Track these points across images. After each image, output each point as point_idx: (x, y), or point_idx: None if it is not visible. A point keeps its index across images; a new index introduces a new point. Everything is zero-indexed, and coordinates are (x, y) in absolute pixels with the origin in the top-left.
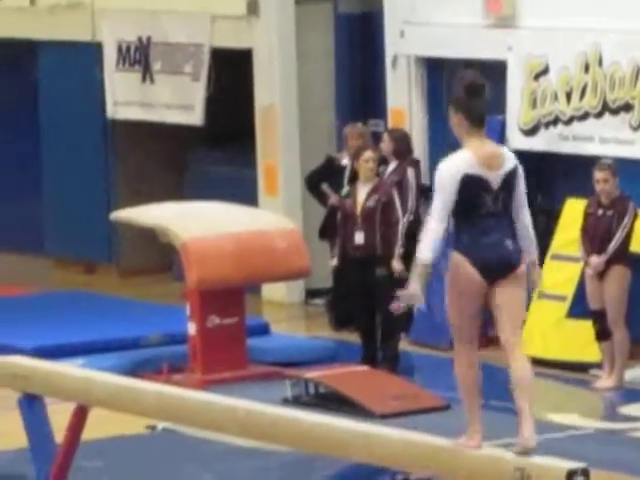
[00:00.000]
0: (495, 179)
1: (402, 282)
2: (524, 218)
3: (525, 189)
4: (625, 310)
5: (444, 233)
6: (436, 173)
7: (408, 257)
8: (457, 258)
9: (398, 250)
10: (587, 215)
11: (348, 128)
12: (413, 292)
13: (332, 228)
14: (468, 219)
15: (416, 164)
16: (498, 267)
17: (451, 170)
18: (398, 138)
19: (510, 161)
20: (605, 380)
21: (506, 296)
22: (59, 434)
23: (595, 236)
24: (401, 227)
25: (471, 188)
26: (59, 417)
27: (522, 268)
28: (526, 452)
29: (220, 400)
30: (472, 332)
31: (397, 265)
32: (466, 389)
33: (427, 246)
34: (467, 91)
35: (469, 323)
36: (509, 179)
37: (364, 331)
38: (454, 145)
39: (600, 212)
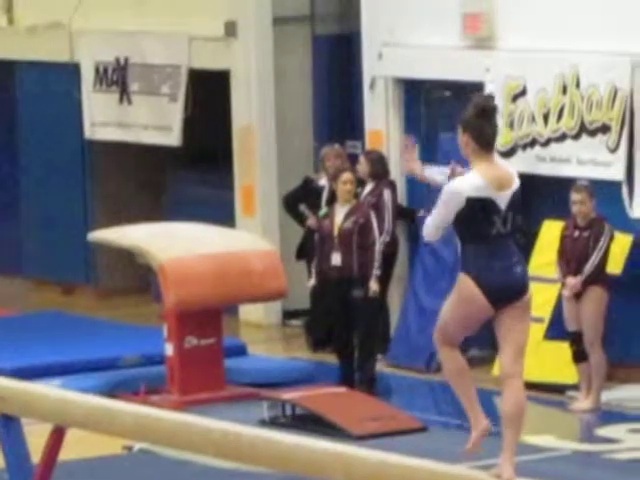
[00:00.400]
0: (503, 200)
1: (378, 304)
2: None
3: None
4: (602, 331)
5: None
6: (444, 192)
7: (384, 278)
8: (466, 281)
9: (375, 272)
10: (564, 237)
11: (326, 149)
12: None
13: (310, 249)
14: (478, 241)
15: (392, 185)
16: (506, 293)
17: (455, 190)
18: (374, 160)
19: (515, 182)
20: (582, 402)
21: (512, 325)
22: (36, 455)
23: (572, 257)
24: (378, 249)
25: (480, 210)
26: (36, 438)
27: (529, 294)
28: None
29: (197, 421)
30: (458, 340)
31: (374, 286)
32: (460, 379)
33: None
34: (477, 113)
35: (462, 338)
36: (515, 199)
37: (341, 352)
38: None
39: (576, 234)
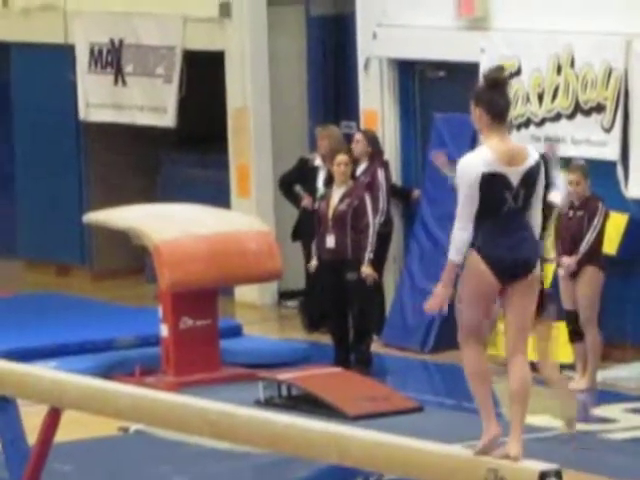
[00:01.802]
0: (515, 175)
1: (373, 285)
2: (533, 219)
3: (542, 189)
4: (597, 311)
5: (470, 231)
6: (457, 170)
7: (380, 259)
8: (473, 256)
9: (368, 255)
10: (559, 216)
11: (318, 129)
12: (440, 296)
13: (306, 230)
14: (488, 217)
15: (386, 165)
16: (513, 268)
17: (469, 169)
18: (369, 139)
19: (532, 157)
20: (578, 381)
21: (517, 301)
22: (32, 436)
23: (567, 237)
24: (372, 232)
25: (491, 186)
26: (32, 419)
27: (537, 271)
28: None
29: (193, 402)
30: (482, 331)
31: (366, 270)
32: (480, 387)
33: (454, 249)
34: (488, 85)
35: (480, 322)
36: (529, 176)
37: (336, 333)
38: (425, 146)
39: (571, 213)
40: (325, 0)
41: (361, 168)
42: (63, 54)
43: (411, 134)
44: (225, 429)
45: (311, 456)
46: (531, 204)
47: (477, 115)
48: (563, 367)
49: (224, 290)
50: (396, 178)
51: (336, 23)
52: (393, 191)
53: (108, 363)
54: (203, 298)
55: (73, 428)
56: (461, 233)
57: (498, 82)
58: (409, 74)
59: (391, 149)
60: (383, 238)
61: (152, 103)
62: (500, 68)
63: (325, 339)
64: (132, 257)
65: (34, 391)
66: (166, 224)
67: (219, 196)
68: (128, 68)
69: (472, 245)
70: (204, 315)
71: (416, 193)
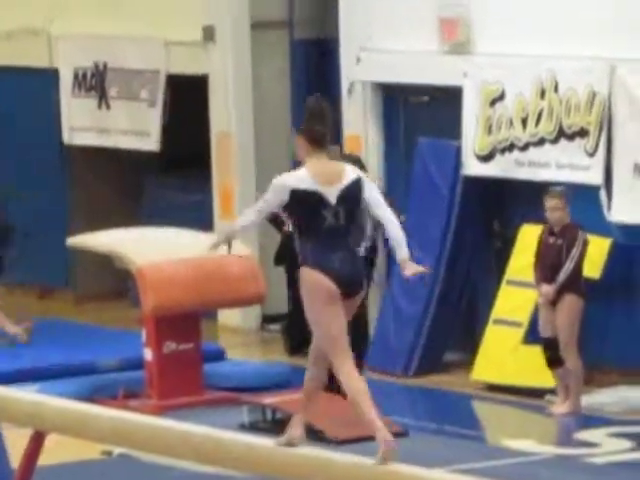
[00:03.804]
0: (332, 194)
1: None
2: (385, 214)
3: (379, 194)
4: (576, 337)
5: (255, 221)
6: (273, 181)
7: (366, 282)
8: (308, 272)
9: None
10: (540, 242)
11: None
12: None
13: (287, 254)
14: (312, 234)
15: None
16: (347, 282)
17: (279, 181)
18: (352, 162)
19: (350, 176)
20: (560, 406)
21: (348, 313)
22: (15, 459)
23: (546, 264)
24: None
25: (306, 202)
26: (16, 442)
27: (363, 292)
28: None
29: (176, 426)
30: (345, 341)
31: None
32: (362, 396)
33: (244, 221)
34: (307, 115)
35: (338, 330)
36: (349, 193)
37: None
38: (408, 171)
39: (551, 240)
40: (309, 24)
41: None
42: (47, 78)
43: (395, 159)
44: (209, 453)
45: (293, 479)
46: (373, 209)
47: (299, 144)
48: (546, 392)
49: (207, 314)
50: None
51: (320, 47)
52: None
53: (91, 386)
54: (186, 322)
55: (56, 451)
56: (248, 217)
57: (318, 111)
58: (393, 99)
59: (374, 173)
60: (368, 263)
61: (136, 127)
62: (318, 97)
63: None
64: (115, 280)
65: (16, 414)
66: (149, 248)
67: (202, 220)
68: (112, 92)
69: (304, 263)
70: (187, 339)
71: (401, 218)
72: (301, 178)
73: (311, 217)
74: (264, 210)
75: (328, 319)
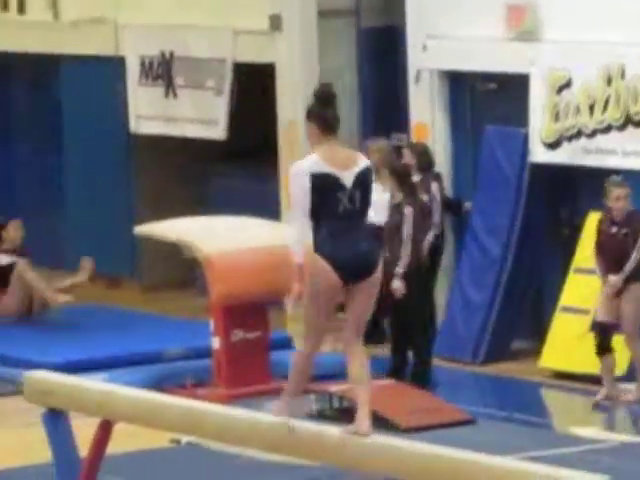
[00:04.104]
0: (348, 177)
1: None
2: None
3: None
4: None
5: (308, 228)
6: (289, 177)
7: (432, 271)
8: (314, 258)
9: (400, 269)
10: (600, 232)
11: (369, 143)
12: (296, 291)
13: None
14: (326, 218)
15: (439, 178)
16: (355, 268)
17: (299, 171)
18: (420, 152)
19: (362, 162)
20: (624, 393)
21: (359, 299)
22: (84, 448)
23: (610, 254)
24: (405, 246)
25: (323, 186)
26: (84, 431)
27: (378, 273)
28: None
29: (243, 414)
30: (325, 328)
31: (395, 283)
32: (300, 374)
33: (297, 248)
34: (318, 101)
35: (324, 321)
36: (362, 178)
37: (392, 344)
38: (475, 159)
39: (614, 229)
40: (376, 12)
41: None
42: (114, 67)
43: (462, 146)
44: (276, 441)
45: (363, 468)
46: (367, 207)
47: (309, 131)
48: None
49: (274, 302)
50: (447, 190)
51: (387, 35)
52: (445, 203)
53: (159, 375)
54: (254, 310)
55: (124, 440)
56: (299, 231)
57: (327, 97)
58: (460, 86)
59: (442, 161)
60: (436, 250)
61: (202, 115)
62: (329, 84)
63: (376, 351)
64: (182, 269)
65: (85, 403)
66: (217, 236)
67: (269, 208)
68: (179, 80)
69: (315, 249)
70: (255, 327)
71: (467, 205)
72: (315, 162)
73: (327, 201)
74: (305, 211)
75: (321, 306)
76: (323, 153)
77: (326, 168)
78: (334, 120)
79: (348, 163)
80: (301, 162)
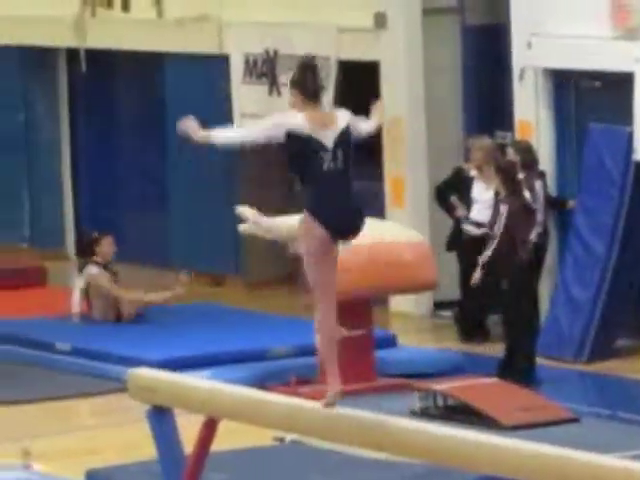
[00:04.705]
0: (329, 138)
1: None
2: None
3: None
4: None
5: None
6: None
7: (536, 269)
8: (306, 217)
9: (481, 259)
10: None
11: (472, 141)
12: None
13: (460, 240)
14: (310, 177)
15: (542, 176)
16: (342, 226)
17: (280, 119)
18: (523, 150)
19: (342, 122)
20: None
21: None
22: (188, 445)
23: None
24: (493, 241)
25: (305, 147)
26: (188, 428)
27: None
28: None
29: (348, 412)
30: (332, 286)
31: (476, 274)
32: (330, 343)
33: (224, 133)
34: (300, 68)
35: (327, 277)
36: (343, 137)
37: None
38: (580, 156)
39: None
40: (480, 9)
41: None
42: (217, 64)
43: (566, 144)
44: (380, 439)
45: (466, 466)
46: (350, 165)
47: (293, 99)
48: None
49: (379, 300)
50: (551, 188)
51: (491, 32)
52: (548, 202)
53: (262, 373)
54: (358, 308)
55: (228, 437)
56: (238, 134)
57: (310, 67)
58: (564, 84)
59: (546, 160)
60: (539, 248)
61: None
62: (312, 56)
63: (480, 349)
64: (286, 266)
65: (190, 401)
66: None
67: (373, 206)
68: (283, 78)
69: (305, 206)
70: (359, 325)
71: (571, 203)
72: (298, 121)
73: (310, 161)
74: (251, 134)
75: (319, 266)
76: (306, 114)
77: (307, 128)
78: (317, 87)
79: (327, 123)
80: (287, 116)
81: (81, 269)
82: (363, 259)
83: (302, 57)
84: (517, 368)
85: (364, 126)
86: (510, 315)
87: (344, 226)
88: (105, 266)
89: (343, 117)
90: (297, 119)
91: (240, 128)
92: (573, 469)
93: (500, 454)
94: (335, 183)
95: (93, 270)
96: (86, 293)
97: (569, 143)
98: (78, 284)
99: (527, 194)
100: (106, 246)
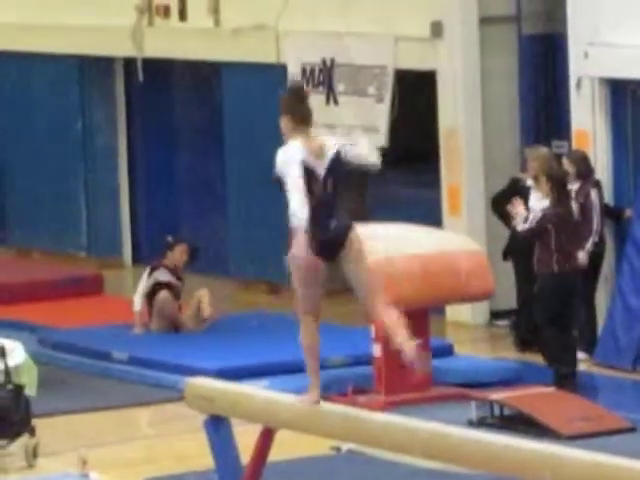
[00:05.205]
0: (321, 167)
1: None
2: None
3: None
4: None
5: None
6: (277, 161)
7: (594, 276)
8: (300, 241)
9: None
10: None
11: (529, 150)
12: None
13: (516, 249)
14: (309, 202)
15: (598, 185)
16: (327, 245)
17: (290, 156)
18: (578, 159)
19: (331, 150)
20: None
21: (352, 268)
22: (244, 455)
23: None
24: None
25: (305, 173)
26: (244, 438)
27: (350, 241)
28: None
29: (404, 422)
30: (317, 306)
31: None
32: (311, 353)
33: (295, 220)
34: (291, 96)
35: (312, 295)
36: (333, 165)
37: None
38: (637, 166)
39: None
40: (537, 19)
41: (573, 189)
42: (275, 74)
43: (623, 154)
44: (437, 449)
45: (524, 476)
46: (339, 189)
47: (284, 124)
48: None
49: (435, 309)
50: (608, 198)
51: (548, 42)
52: (605, 211)
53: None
54: (415, 317)
55: (285, 447)
56: (302, 208)
57: (299, 92)
58: (621, 94)
59: (602, 169)
60: (596, 258)
61: (364, 122)
62: (299, 82)
63: (537, 358)
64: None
65: (247, 411)
66: (379, 243)
67: (430, 215)
68: (340, 87)
69: (306, 227)
70: (416, 334)
71: (628, 212)
72: (302, 150)
73: (308, 186)
74: (301, 190)
75: (306, 284)
76: (303, 143)
77: (307, 158)
78: (308, 113)
79: (320, 153)
80: (292, 149)
81: (152, 271)
82: (420, 268)
83: (292, 83)
84: (558, 375)
85: (353, 152)
86: (537, 319)
87: (326, 245)
88: (174, 271)
89: (332, 145)
90: (300, 147)
91: (295, 200)
92: (630, 478)
93: (558, 463)
94: (326, 207)
95: (162, 276)
96: (149, 297)
97: (626, 152)
98: (142, 286)
99: (574, 206)
100: (178, 253)
